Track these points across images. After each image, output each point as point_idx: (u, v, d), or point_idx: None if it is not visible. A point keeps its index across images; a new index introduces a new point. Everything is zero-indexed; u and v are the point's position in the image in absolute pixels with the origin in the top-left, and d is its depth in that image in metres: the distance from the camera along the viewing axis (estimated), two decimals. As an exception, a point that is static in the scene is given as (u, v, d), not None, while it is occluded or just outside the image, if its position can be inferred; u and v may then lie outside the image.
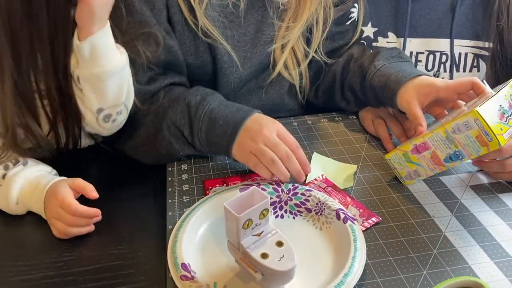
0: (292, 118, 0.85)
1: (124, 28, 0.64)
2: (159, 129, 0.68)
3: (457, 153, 0.60)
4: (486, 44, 0.83)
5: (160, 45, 0.68)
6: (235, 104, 0.69)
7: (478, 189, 0.65)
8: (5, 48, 0.56)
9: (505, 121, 0.57)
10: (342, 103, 0.84)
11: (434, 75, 0.86)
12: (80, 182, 0.61)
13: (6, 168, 0.63)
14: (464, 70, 0.86)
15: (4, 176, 0.62)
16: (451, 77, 0.86)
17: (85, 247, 0.59)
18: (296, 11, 0.76)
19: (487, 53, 0.84)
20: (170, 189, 0.67)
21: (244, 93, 0.80)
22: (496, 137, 0.56)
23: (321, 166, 0.70)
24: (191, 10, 0.71)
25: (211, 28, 0.72)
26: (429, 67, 0.86)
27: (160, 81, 0.71)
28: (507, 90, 0.60)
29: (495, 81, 0.83)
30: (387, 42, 0.85)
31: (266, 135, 0.62)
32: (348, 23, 0.84)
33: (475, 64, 0.86)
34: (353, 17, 0.84)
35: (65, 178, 0.64)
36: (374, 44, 0.86)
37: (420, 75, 0.70)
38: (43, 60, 0.60)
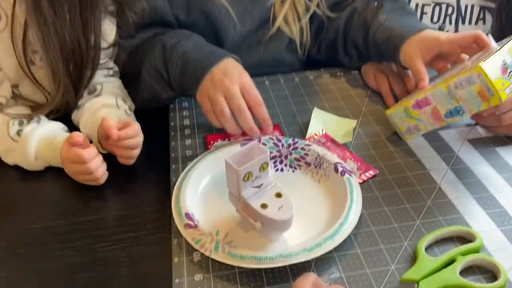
0: (294, 73, 0.84)
1: None
2: (139, 73, 0.69)
3: (458, 108, 0.60)
4: None
5: (146, 9, 0.68)
6: (211, 47, 0.68)
7: (476, 143, 0.66)
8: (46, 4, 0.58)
9: (508, 76, 0.57)
10: (345, 59, 0.83)
11: (440, 28, 0.85)
12: (71, 137, 0.60)
13: (21, 124, 0.64)
14: (470, 23, 0.84)
15: (19, 132, 0.63)
16: (456, 30, 0.84)
17: (92, 199, 0.61)
18: None
19: (493, 5, 0.82)
20: (173, 143, 0.69)
21: (243, 49, 0.79)
22: (498, 93, 0.56)
23: (322, 121, 0.71)
24: None
25: None
26: (435, 19, 0.84)
27: (142, 34, 0.71)
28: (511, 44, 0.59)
29: (501, 34, 0.82)
30: None
31: (227, 85, 0.61)
32: None
33: (481, 16, 0.83)
34: (358, -33, 0.81)
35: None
36: (379, -5, 0.83)
37: (424, 29, 0.68)
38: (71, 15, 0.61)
